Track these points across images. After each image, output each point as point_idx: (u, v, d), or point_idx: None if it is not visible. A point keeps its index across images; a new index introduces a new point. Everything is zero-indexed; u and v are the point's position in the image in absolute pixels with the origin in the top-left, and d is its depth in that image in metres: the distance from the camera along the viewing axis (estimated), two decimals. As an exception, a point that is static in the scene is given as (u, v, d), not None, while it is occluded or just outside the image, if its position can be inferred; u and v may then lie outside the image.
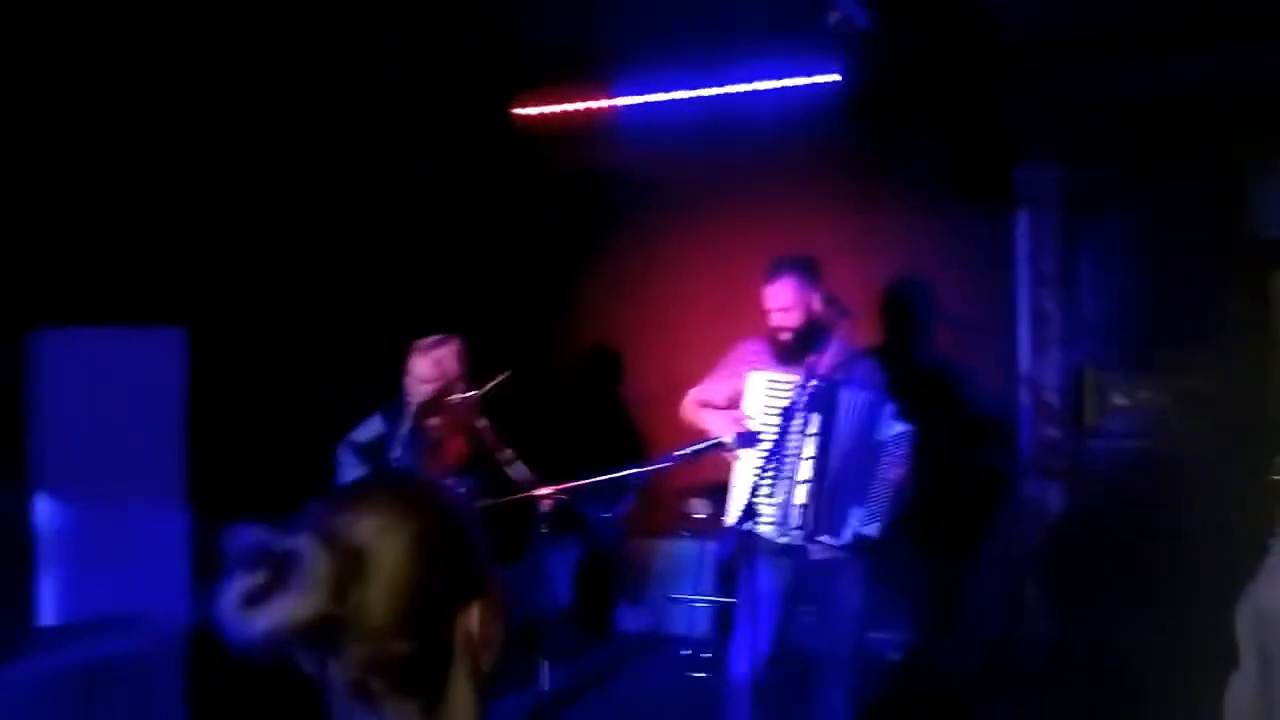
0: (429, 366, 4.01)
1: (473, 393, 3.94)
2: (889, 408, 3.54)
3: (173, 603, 4.34)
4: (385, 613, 1.12)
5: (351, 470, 4.00)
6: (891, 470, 3.52)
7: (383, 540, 1.13)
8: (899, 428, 3.54)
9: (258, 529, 1.12)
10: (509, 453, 3.96)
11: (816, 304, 3.70)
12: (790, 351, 3.68)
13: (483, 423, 4.02)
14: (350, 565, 1.11)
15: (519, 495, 3.86)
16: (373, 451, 4.02)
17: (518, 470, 3.93)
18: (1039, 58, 4.16)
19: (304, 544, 1.11)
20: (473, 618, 1.19)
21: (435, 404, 3.97)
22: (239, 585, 1.09)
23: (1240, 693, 1.53)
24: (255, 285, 4.66)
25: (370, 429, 4.10)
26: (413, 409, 4.03)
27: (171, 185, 4.42)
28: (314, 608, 1.09)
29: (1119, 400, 4.71)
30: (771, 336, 3.75)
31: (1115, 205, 4.59)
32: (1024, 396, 4.77)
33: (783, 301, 3.67)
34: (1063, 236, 4.72)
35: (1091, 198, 4.62)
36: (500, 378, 3.89)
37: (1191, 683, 4.14)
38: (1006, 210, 4.78)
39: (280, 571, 1.09)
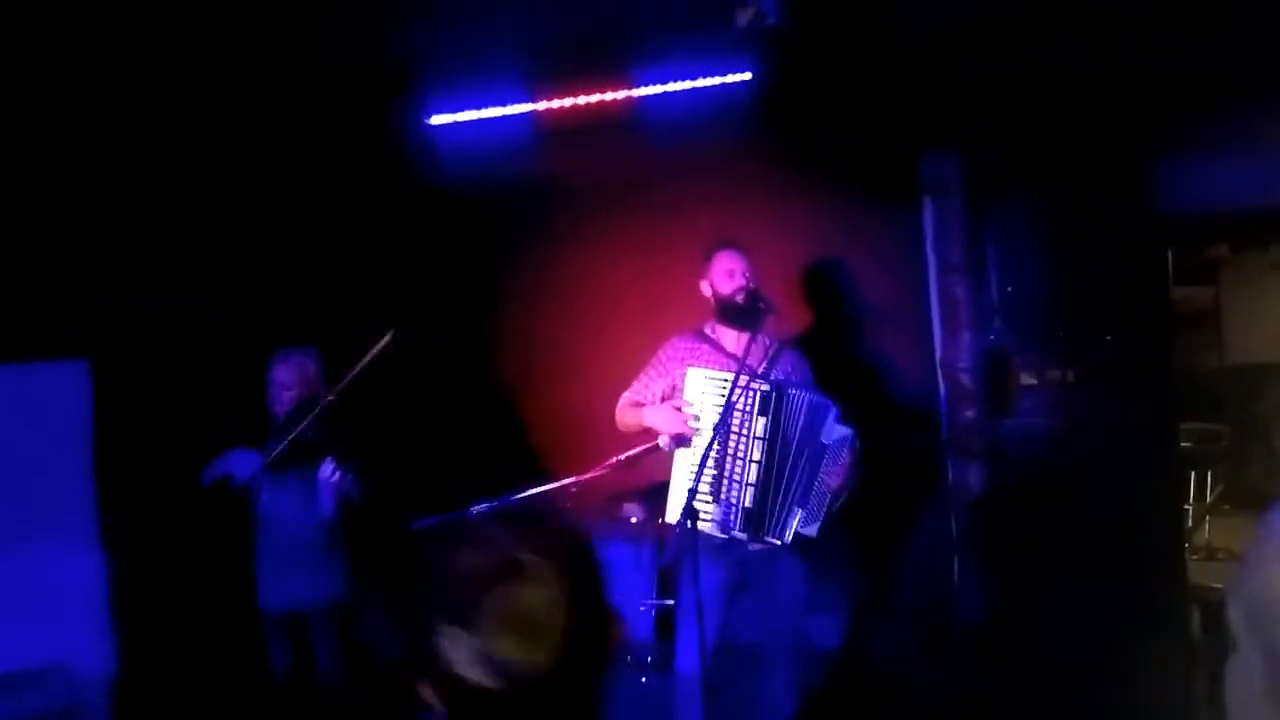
0: (288, 373, 4.05)
1: (347, 376, 3.88)
2: (832, 411, 3.60)
3: (94, 650, 4.18)
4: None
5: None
6: (833, 474, 3.58)
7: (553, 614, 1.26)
8: (840, 431, 3.60)
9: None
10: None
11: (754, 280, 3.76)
12: (745, 314, 3.70)
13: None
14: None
15: (452, 514, 3.80)
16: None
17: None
18: (937, 46, 4.26)
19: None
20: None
21: (303, 410, 3.94)
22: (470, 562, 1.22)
23: (1246, 685, 1.55)
24: (158, 309, 4.52)
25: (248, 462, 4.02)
26: (280, 419, 4.02)
27: (60, 212, 4.26)
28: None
29: (1028, 380, 4.85)
30: (728, 303, 3.74)
31: (1017, 189, 4.72)
32: (940, 381, 4.88)
33: (732, 265, 3.73)
34: (967, 223, 4.84)
35: (993, 183, 4.74)
36: (382, 342, 3.82)
37: (1118, 654, 4.33)
38: (912, 198, 4.89)
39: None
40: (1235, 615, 1.46)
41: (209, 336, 4.61)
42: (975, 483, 4.83)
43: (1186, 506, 6.24)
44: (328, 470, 3.79)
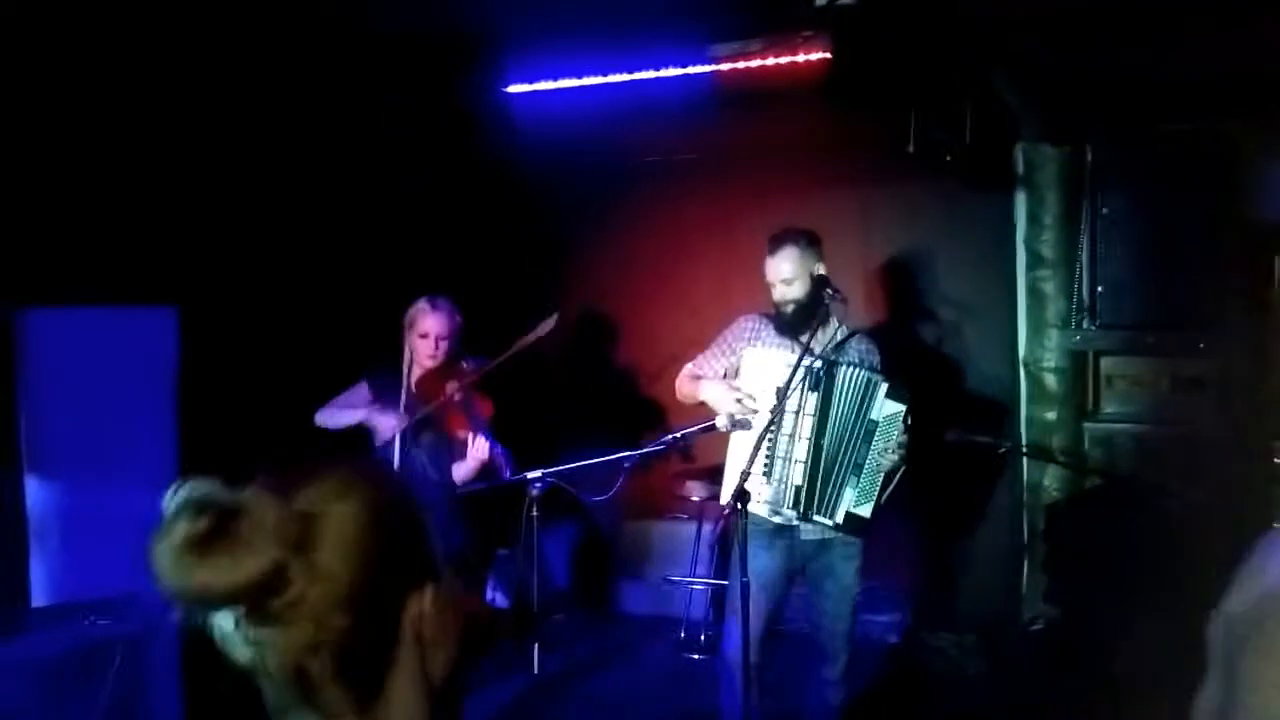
0: (443, 322, 3.83)
1: (485, 363, 3.78)
2: (884, 386, 3.52)
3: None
4: (331, 581, 1.06)
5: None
6: (886, 450, 3.50)
7: (333, 505, 1.09)
8: (892, 407, 3.52)
9: (205, 481, 1.07)
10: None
11: (819, 274, 3.67)
12: (792, 324, 3.64)
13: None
14: (299, 525, 1.06)
15: (510, 479, 3.82)
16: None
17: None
18: (1036, 35, 4.11)
19: (255, 497, 1.06)
20: (424, 602, 1.13)
21: (452, 368, 3.83)
22: (182, 529, 1.02)
23: (1205, 703, 1.49)
24: (245, 263, 4.66)
25: (356, 395, 3.95)
26: (419, 369, 3.88)
27: (159, 167, 4.41)
28: (261, 562, 1.03)
29: (1118, 383, 4.67)
30: (777, 309, 3.70)
31: (1114, 186, 4.53)
32: (1022, 378, 4.74)
33: (785, 273, 3.64)
34: (1061, 217, 4.68)
35: (1090, 178, 4.57)
36: (547, 322, 3.70)
37: (1186, 670, 4.14)
38: (1005, 190, 4.75)
39: (228, 520, 1.04)
40: (1210, 634, 1.40)
41: (295, 292, 4.74)
42: (1052, 486, 4.69)
43: (1276, 525, 5.94)
44: (478, 445, 3.72)
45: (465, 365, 3.88)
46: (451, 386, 3.77)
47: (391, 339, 3.98)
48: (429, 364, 3.85)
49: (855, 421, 3.50)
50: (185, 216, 4.49)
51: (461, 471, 3.90)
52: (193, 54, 4.16)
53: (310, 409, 4.08)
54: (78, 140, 4.14)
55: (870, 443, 3.50)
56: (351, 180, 4.91)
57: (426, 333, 3.83)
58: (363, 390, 3.97)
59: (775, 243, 3.68)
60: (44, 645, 3.77)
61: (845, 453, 3.50)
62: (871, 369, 3.64)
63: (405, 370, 3.89)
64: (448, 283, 4.13)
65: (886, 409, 3.51)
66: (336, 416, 3.93)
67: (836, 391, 3.51)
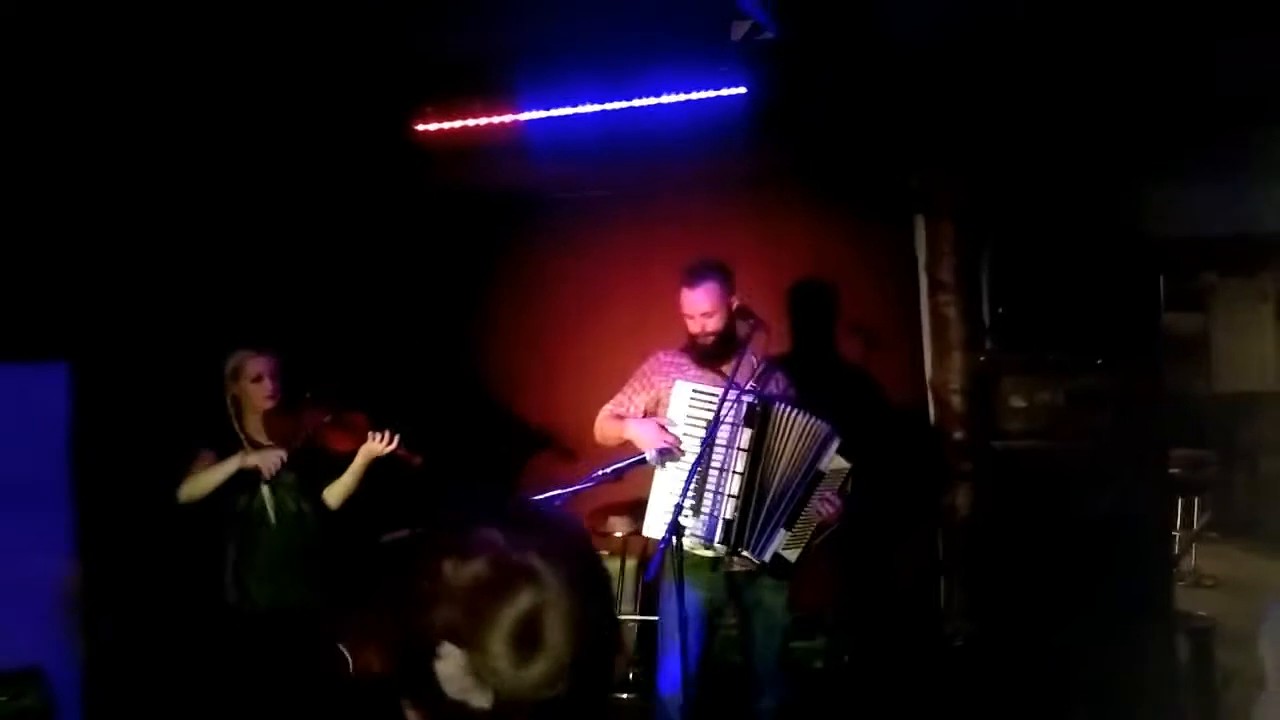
0: (268, 362, 3.85)
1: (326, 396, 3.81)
2: (836, 441, 3.54)
3: (65, 656, 4.11)
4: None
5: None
6: (826, 505, 3.53)
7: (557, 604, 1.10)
8: (840, 463, 3.55)
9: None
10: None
11: (737, 306, 3.71)
12: (712, 356, 3.67)
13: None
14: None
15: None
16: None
17: None
18: (931, 65, 4.26)
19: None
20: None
21: (291, 402, 3.84)
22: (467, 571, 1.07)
23: (1271, 715, 1.49)
24: (136, 312, 4.47)
25: (204, 463, 3.83)
26: (256, 414, 3.86)
27: (45, 214, 4.21)
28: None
29: (1018, 402, 4.83)
30: (692, 343, 3.73)
31: (1010, 210, 4.71)
32: (930, 401, 4.86)
33: (705, 305, 3.66)
34: (958, 243, 4.83)
35: (987, 203, 4.74)
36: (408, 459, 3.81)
37: (1104, 680, 4.29)
38: (905, 218, 4.88)
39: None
40: (1265, 648, 1.39)
41: (185, 340, 4.56)
42: (963, 504, 4.81)
43: (1174, 533, 6.22)
44: (384, 439, 3.77)
45: (306, 395, 3.85)
46: (310, 419, 3.80)
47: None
48: (268, 405, 3.84)
49: (803, 468, 3.52)
50: (73, 267, 4.29)
51: (339, 489, 3.88)
52: (71, 89, 3.99)
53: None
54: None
55: (812, 492, 3.52)
56: (255, 220, 4.76)
57: (259, 375, 3.83)
58: (207, 459, 3.83)
59: (693, 276, 3.70)
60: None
61: (784, 497, 3.52)
62: (793, 402, 3.68)
63: (237, 423, 3.87)
64: (357, 325, 4.06)
65: (835, 464, 3.54)
66: (202, 483, 3.78)
67: (772, 430, 3.53)
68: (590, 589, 1.12)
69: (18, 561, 3.99)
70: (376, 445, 3.79)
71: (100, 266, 4.35)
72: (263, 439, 3.87)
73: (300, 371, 3.98)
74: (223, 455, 3.80)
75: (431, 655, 1.07)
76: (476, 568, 1.08)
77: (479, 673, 1.05)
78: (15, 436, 4.03)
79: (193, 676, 4.13)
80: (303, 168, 4.69)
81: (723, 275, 3.71)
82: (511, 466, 5.14)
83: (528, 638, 1.06)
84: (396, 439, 3.79)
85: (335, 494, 3.92)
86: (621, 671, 4.74)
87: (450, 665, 1.06)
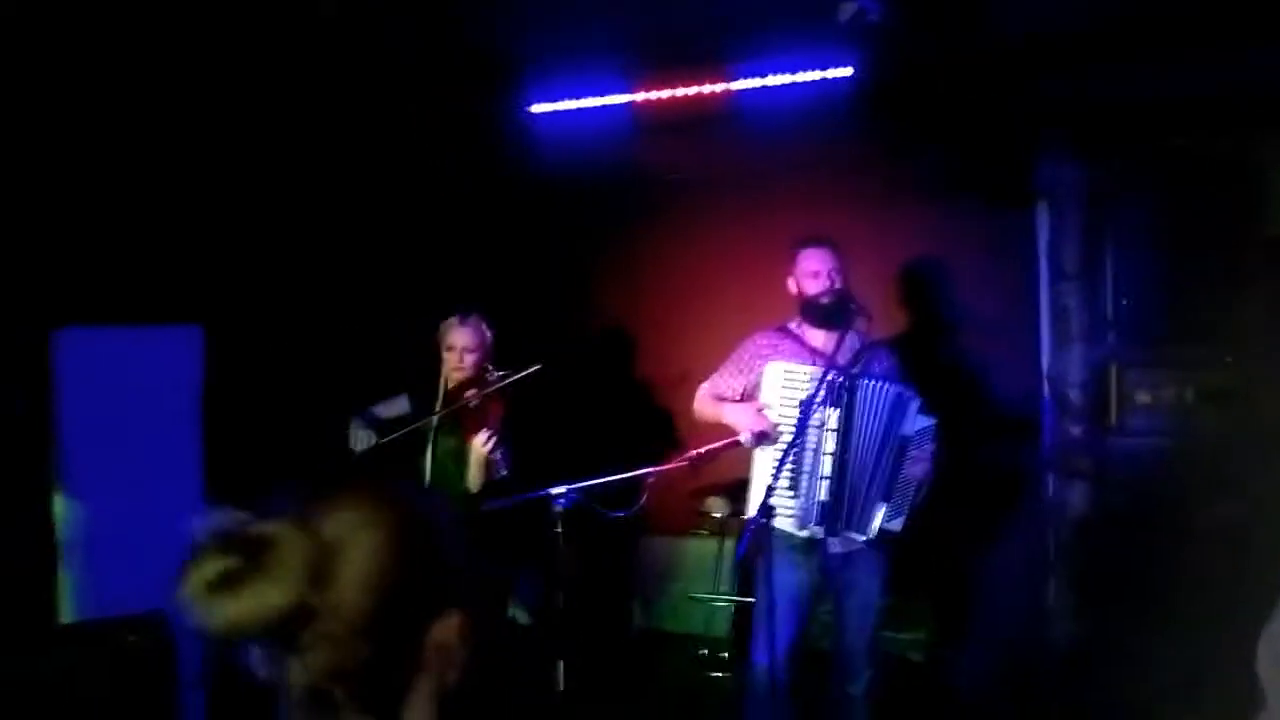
0: (470, 336, 3.99)
1: (507, 374, 3.93)
2: (915, 402, 3.51)
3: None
4: (355, 610, 1.06)
5: (363, 444, 4.01)
6: (916, 465, 3.50)
7: (357, 535, 1.08)
8: (923, 422, 3.52)
9: (227, 512, 1.07)
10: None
11: (845, 279, 3.69)
12: (829, 316, 3.62)
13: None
14: (325, 556, 1.06)
15: (532, 494, 3.85)
16: (392, 428, 4.01)
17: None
18: (1057, 52, 4.11)
19: (281, 530, 1.06)
20: (449, 629, 1.13)
21: (478, 379, 3.98)
22: (209, 568, 1.03)
23: None
24: (270, 280, 4.70)
25: (395, 406, 4.12)
26: (450, 383, 4.03)
27: (185, 186, 4.47)
28: (287, 596, 1.03)
29: (1142, 397, 4.64)
30: (811, 303, 3.68)
31: (1136, 200, 4.52)
32: (1046, 393, 4.72)
33: (819, 265, 3.66)
34: (1083, 232, 4.66)
35: (1112, 193, 4.56)
36: (531, 369, 3.87)
37: (1215, 692, 4.10)
38: (1027, 206, 4.73)
39: (255, 556, 1.04)
40: (1261, 666, 1.30)
41: (321, 310, 4.78)
42: (1077, 502, 4.65)
43: None
44: (483, 439, 3.83)
45: (489, 377, 4.00)
46: (470, 394, 3.94)
47: (419, 352, 4.12)
48: (457, 376, 4.02)
49: (886, 437, 3.50)
50: (211, 234, 4.54)
51: (470, 476, 3.98)
52: (220, 76, 4.21)
53: (337, 427, 4.17)
54: (106, 159, 4.21)
55: (902, 457, 3.50)
56: (378, 198, 4.95)
57: (453, 345, 4.01)
58: (402, 401, 4.13)
59: (809, 239, 3.73)
60: (74, 662, 3.80)
61: (876, 469, 3.50)
62: (896, 381, 3.64)
63: (441, 385, 4.08)
64: (473, 300, 4.19)
65: (918, 424, 3.51)
66: (358, 428, 4.05)
67: (859, 406, 3.51)
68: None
69: (153, 512, 4.27)
70: (479, 443, 3.87)
71: (234, 234, 4.60)
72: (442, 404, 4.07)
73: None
74: (415, 408, 4.08)
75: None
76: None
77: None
78: (151, 395, 4.30)
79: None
80: (416, 146, 4.84)
81: (834, 244, 3.72)
82: (618, 444, 5.22)
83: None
84: (492, 441, 3.85)
85: (471, 481, 4.00)
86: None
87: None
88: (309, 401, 4.53)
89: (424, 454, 4.05)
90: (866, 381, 3.53)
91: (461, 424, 3.98)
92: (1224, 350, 4.35)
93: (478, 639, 1.16)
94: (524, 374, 3.87)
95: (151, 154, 4.32)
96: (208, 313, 4.48)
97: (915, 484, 3.52)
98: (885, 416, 3.51)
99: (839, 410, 3.49)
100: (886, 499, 3.51)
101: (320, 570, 1.05)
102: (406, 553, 1.11)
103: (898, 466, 3.49)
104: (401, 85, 4.48)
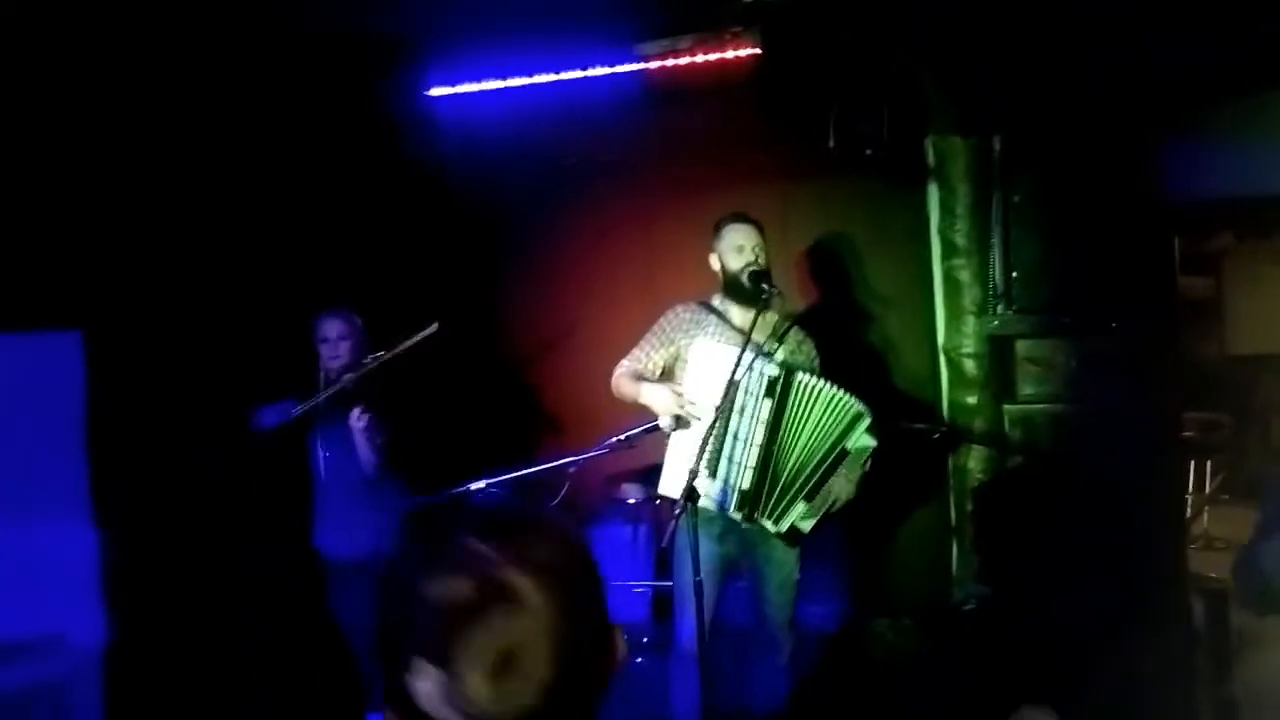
0: (340, 325, 4.11)
1: (390, 349, 3.95)
2: (866, 420, 3.54)
3: (87, 622, 4.15)
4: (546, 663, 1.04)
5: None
6: (845, 483, 3.53)
7: (554, 592, 1.06)
8: (867, 442, 3.54)
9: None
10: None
11: (767, 257, 3.72)
12: (753, 292, 3.62)
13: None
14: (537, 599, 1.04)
15: (453, 489, 3.78)
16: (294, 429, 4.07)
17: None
18: (944, 27, 4.22)
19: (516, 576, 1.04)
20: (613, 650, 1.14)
21: (354, 365, 4.03)
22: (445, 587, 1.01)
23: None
24: (151, 280, 4.48)
25: (281, 412, 4.08)
26: (330, 375, 4.07)
27: (58, 182, 4.21)
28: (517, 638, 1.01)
29: (1033, 365, 4.81)
30: (733, 279, 3.68)
31: (1023, 173, 4.67)
32: (942, 364, 4.85)
33: (743, 241, 3.67)
34: (972, 206, 4.79)
35: (1000, 167, 4.70)
36: (427, 330, 3.86)
37: (1118, 642, 4.30)
38: (918, 182, 4.85)
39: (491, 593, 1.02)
40: (1242, 581, 1.37)
41: (201, 309, 4.57)
42: (975, 468, 4.80)
43: (1187, 496, 6.21)
44: (355, 415, 3.92)
45: (366, 360, 4.02)
46: (347, 377, 4.00)
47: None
48: (333, 365, 4.09)
49: (829, 445, 3.52)
50: (88, 234, 4.29)
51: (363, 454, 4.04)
52: (98, 64, 3.98)
53: (228, 430, 4.06)
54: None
55: (836, 468, 3.53)
56: (267, 187, 4.75)
57: (326, 337, 4.11)
58: (289, 407, 4.10)
59: (728, 219, 3.73)
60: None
61: (808, 470, 3.52)
62: (810, 364, 3.67)
63: (320, 380, 4.14)
64: (372, 292, 4.10)
65: (862, 441, 3.53)
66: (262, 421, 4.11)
67: (793, 401, 3.52)
68: (580, 603, 1.09)
69: (37, 531, 4.03)
70: (353, 419, 3.96)
71: (112, 235, 4.37)
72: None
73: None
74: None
75: (408, 670, 1.03)
76: (454, 586, 1.02)
77: (453, 697, 1.01)
78: (32, 405, 4.06)
79: (211, 648, 4.18)
80: (310, 132, 4.67)
81: (758, 223, 3.77)
82: (525, 434, 5.16)
83: (506, 665, 1.01)
84: (367, 418, 3.94)
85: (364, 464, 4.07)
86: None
87: (426, 684, 1.02)
88: (194, 408, 4.35)
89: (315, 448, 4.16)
90: (802, 378, 3.54)
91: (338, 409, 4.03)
92: (1111, 317, 4.53)
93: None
94: (418, 337, 3.87)
95: (24, 148, 4.06)
96: (87, 317, 4.24)
97: (839, 498, 3.56)
98: (831, 424, 3.52)
99: (771, 401, 3.51)
100: (809, 500, 3.54)
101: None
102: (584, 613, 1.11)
103: (829, 474, 3.53)
104: (293, 68, 4.31)
